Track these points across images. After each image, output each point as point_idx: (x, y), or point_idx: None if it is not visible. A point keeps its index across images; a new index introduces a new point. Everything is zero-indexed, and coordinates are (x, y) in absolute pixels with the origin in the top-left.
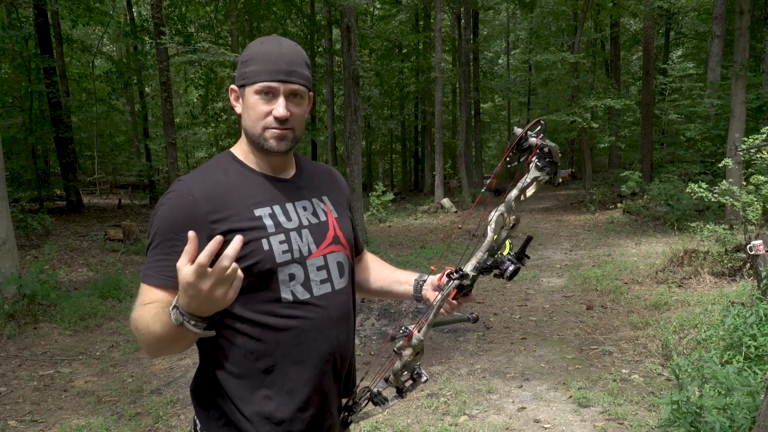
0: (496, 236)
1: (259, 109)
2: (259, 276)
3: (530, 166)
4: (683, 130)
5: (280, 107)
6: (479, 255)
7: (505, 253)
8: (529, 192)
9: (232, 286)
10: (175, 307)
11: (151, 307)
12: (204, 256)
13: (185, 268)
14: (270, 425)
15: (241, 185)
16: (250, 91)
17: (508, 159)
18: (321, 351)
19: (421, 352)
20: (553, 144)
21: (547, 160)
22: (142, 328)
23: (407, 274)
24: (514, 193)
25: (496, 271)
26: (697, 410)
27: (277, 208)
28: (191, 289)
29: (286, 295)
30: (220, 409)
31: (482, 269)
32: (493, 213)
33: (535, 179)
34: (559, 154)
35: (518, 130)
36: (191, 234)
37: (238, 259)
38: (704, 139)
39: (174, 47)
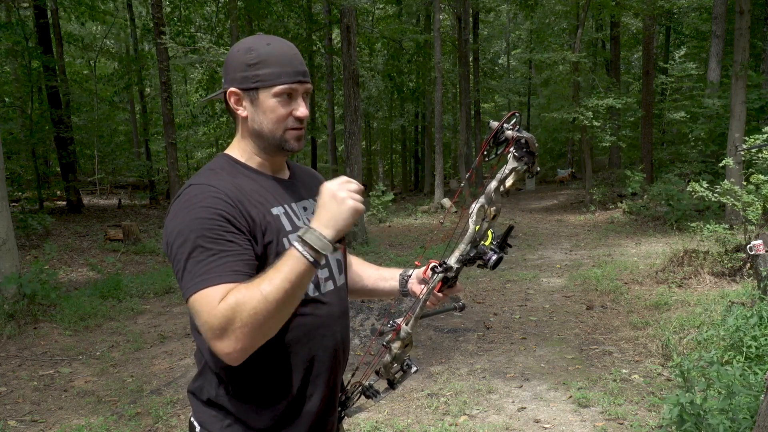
0: (478, 228)
1: (280, 111)
2: None
3: (508, 156)
4: (689, 129)
5: (302, 108)
6: (462, 247)
7: (487, 243)
8: (508, 182)
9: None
10: (306, 236)
11: (250, 284)
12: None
13: (332, 183)
14: (279, 422)
15: (252, 185)
16: (266, 93)
17: (485, 153)
18: (328, 347)
19: (410, 345)
20: (529, 135)
21: (525, 150)
22: (255, 304)
23: (391, 271)
24: (493, 184)
25: (480, 262)
26: (701, 412)
27: (287, 207)
28: (343, 188)
29: None
30: (225, 408)
31: (466, 260)
32: (473, 205)
33: (513, 170)
34: (536, 144)
35: (494, 124)
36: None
37: (264, 258)
38: (708, 139)
39: (174, 47)
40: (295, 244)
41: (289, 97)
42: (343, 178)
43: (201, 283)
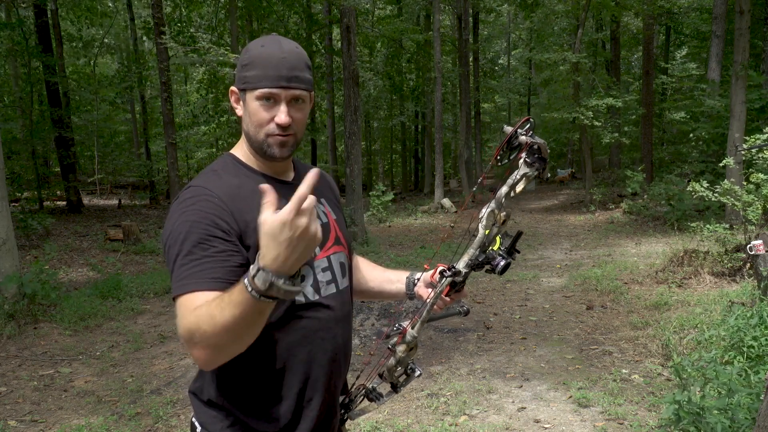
0: (488, 232)
1: (261, 115)
2: None
3: (519, 162)
4: (691, 129)
5: (282, 114)
6: (471, 252)
7: (495, 248)
8: (519, 188)
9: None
10: (254, 275)
11: (209, 303)
12: (300, 193)
13: (274, 214)
14: (279, 425)
15: (253, 187)
16: (251, 96)
17: (498, 157)
18: (328, 350)
19: (415, 348)
20: (541, 141)
21: (536, 156)
22: (206, 327)
23: (398, 273)
24: (504, 189)
25: (488, 267)
26: (699, 411)
27: None
28: (287, 230)
29: (298, 297)
30: (226, 409)
31: (474, 265)
32: (484, 210)
33: (524, 175)
34: (548, 150)
35: (508, 129)
36: (266, 186)
37: None
38: (709, 139)
39: (174, 48)
40: (245, 281)
41: (273, 102)
42: (293, 205)
43: (182, 288)
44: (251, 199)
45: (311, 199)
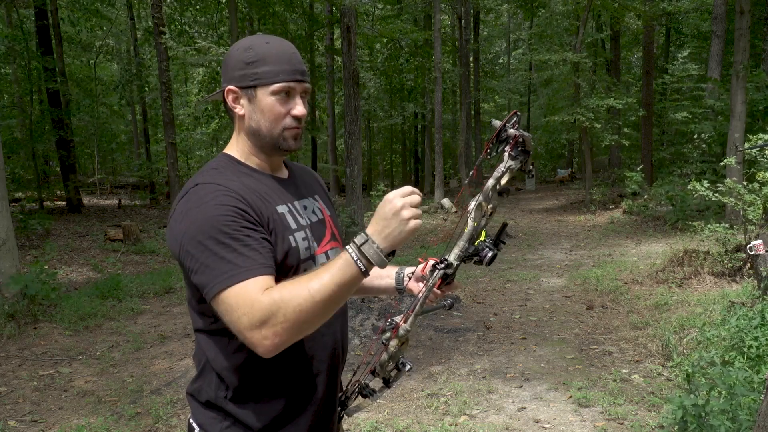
0: (476, 224)
1: (278, 110)
2: (285, 272)
3: (504, 156)
4: (696, 129)
5: (299, 106)
6: (462, 244)
7: (481, 239)
8: (503, 180)
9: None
10: (357, 237)
11: (298, 281)
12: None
13: (397, 198)
14: (279, 422)
15: (256, 185)
16: (264, 92)
17: (488, 150)
18: (327, 345)
19: (406, 343)
20: (527, 134)
21: (520, 149)
22: (300, 301)
23: (387, 268)
24: (490, 182)
25: (476, 258)
26: (704, 413)
27: (291, 206)
28: (387, 206)
29: None
30: (225, 410)
31: (464, 257)
32: (472, 203)
33: (508, 168)
34: (532, 143)
35: (496, 123)
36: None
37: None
38: (713, 141)
39: (174, 47)
40: (351, 251)
41: (287, 95)
42: (407, 190)
43: (231, 279)
44: (258, 195)
45: (416, 197)
